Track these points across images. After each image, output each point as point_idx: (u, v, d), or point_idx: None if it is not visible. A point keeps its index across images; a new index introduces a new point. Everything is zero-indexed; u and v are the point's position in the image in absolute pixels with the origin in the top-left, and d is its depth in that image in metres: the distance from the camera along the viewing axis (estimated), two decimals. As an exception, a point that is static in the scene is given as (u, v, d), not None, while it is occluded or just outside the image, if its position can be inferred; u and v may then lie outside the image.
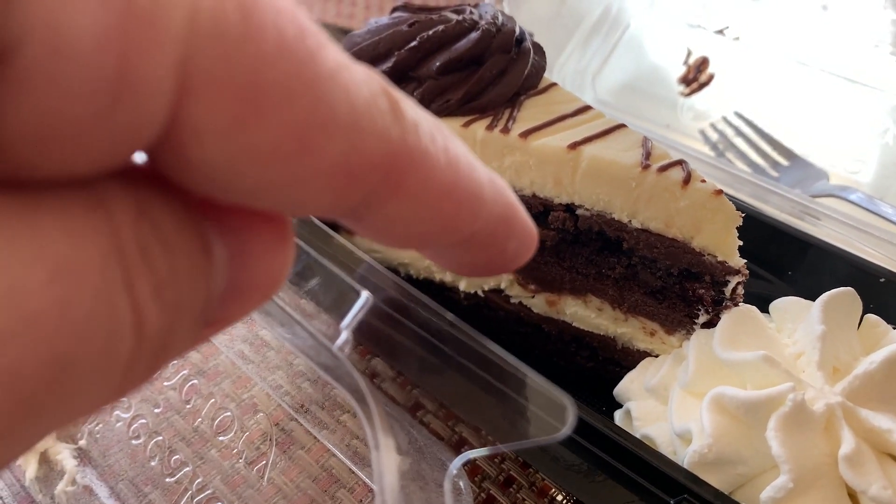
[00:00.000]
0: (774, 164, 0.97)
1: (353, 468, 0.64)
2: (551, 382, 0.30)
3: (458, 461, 0.33)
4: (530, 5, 1.11)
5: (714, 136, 1.03)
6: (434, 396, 0.69)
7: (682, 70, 1.09)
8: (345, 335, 0.35)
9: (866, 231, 0.79)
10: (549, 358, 0.75)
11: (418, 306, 0.35)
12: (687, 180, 0.58)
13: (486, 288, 0.75)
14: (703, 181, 0.58)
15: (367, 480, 0.66)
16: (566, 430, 0.30)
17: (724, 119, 1.03)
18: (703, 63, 1.08)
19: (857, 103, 1.00)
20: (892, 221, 0.80)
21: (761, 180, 0.88)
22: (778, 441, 0.52)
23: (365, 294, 0.35)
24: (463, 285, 0.76)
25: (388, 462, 0.33)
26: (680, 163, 0.59)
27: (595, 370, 0.73)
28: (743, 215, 0.59)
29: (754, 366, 0.56)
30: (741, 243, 0.60)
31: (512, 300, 0.74)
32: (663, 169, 0.59)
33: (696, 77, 1.08)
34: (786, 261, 0.76)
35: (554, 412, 0.30)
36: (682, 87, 1.08)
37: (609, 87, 1.12)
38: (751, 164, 0.98)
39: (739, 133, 1.01)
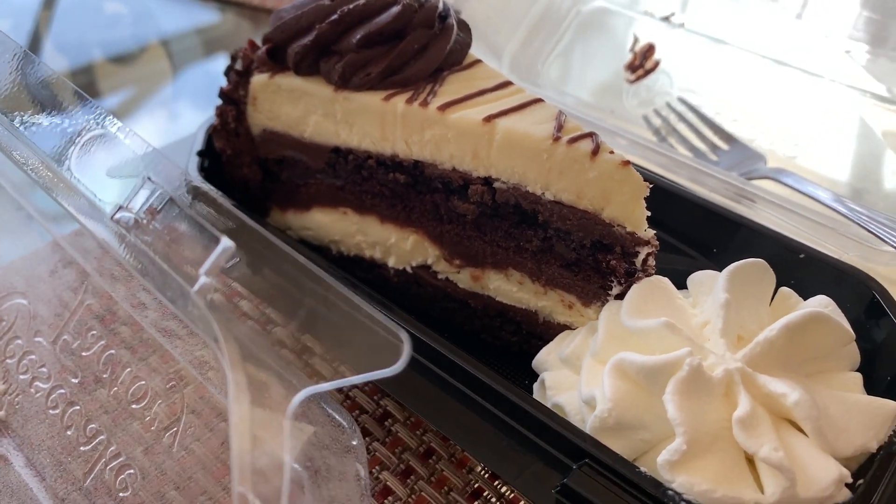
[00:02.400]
0: (714, 148, 0.98)
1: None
2: (391, 320, 0.31)
3: (300, 396, 0.33)
4: (480, -8, 1.12)
5: (657, 122, 1.03)
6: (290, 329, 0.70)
7: (628, 57, 1.10)
8: (203, 279, 0.35)
9: (792, 210, 0.80)
10: (476, 334, 0.76)
11: (275, 253, 0.35)
12: (595, 151, 0.59)
13: (415, 264, 0.75)
14: (612, 153, 0.59)
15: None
16: (401, 362, 0.30)
17: (668, 105, 1.04)
18: (648, 50, 1.09)
19: (796, 89, 1.01)
20: (820, 202, 0.82)
21: (695, 162, 0.89)
22: (674, 404, 0.52)
23: (224, 241, 0.35)
24: (392, 262, 0.76)
25: (238, 407, 0.33)
26: (590, 135, 0.60)
27: (519, 344, 0.73)
28: (651, 186, 0.59)
29: (657, 333, 0.57)
30: (649, 214, 0.61)
31: (439, 276, 0.74)
32: (573, 141, 0.60)
33: (641, 64, 1.09)
34: (712, 239, 0.76)
35: (393, 347, 0.31)
36: (628, 74, 1.09)
37: (557, 74, 1.13)
38: (692, 148, 0.99)
39: (682, 118, 1.02)
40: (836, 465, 0.52)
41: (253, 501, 0.32)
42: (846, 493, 0.52)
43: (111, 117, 0.43)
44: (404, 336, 0.30)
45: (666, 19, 1.10)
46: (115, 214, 0.38)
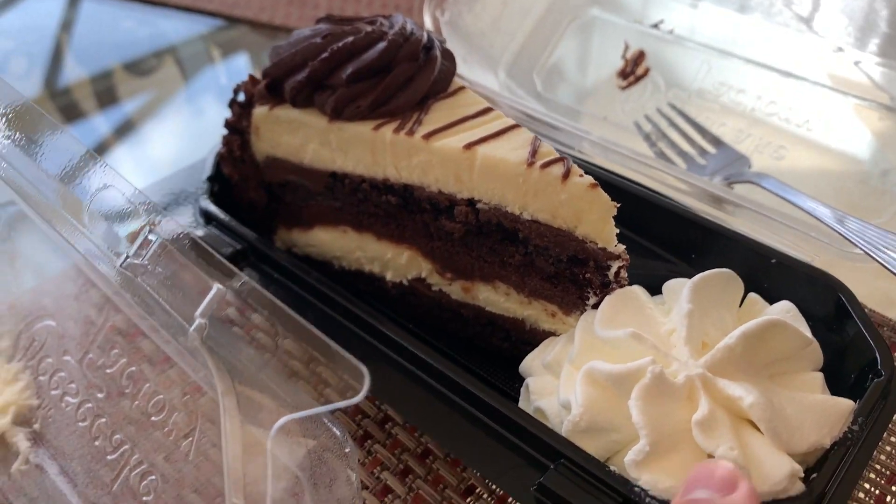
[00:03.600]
0: (702, 152, 1.02)
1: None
2: (350, 355, 0.36)
3: (278, 424, 0.39)
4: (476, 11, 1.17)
5: (647, 127, 1.08)
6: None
7: (620, 64, 1.14)
8: (199, 321, 0.41)
9: (769, 216, 0.84)
10: (470, 341, 0.81)
11: (257, 301, 0.41)
12: (566, 175, 0.64)
13: (410, 277, 0.81)
14: (581, 176, 0.64)
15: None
16: (362, 393, 0.36)
17: (658, 110, 1.08)
18: (639, 56, 1.13)
19: (785, 94, 1.04)
20: (798, 206, 0.85)
21: (679, 172, 0.93)
22: (638, 409, 0.57)
23: (216, 287, 0.41)
24: (389, 275, 0.82)
25: (232, 437, 0.39)
26: (562, 159, 0.65)
27: (510, 350, 0.78)
28: (618, 206, 0.64)
29: (625, 342, 0.61)
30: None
31: (433, 287, 0.80)
32: (546, 165, 0.64)
33: (633, 70, 1.13)
34: (691, 245, 0.81)
35: (355, 378, 0.36)
36: (620, 81, 1.14)
37: (552, 83, 1.17)
38: (681, 152, 1.03)
39: (672, 123, 1.06)
40: (789, 461, 0.56)
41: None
42: (800, 487, 0.57)
43: (120, 177, 0.49)
44: (364, 370, 0.35)
45: (655, 26, 1.13)
46: (122, 263, 0.44)
